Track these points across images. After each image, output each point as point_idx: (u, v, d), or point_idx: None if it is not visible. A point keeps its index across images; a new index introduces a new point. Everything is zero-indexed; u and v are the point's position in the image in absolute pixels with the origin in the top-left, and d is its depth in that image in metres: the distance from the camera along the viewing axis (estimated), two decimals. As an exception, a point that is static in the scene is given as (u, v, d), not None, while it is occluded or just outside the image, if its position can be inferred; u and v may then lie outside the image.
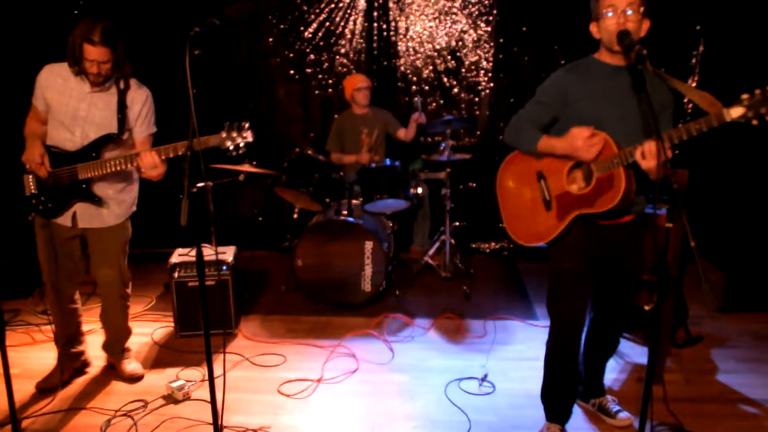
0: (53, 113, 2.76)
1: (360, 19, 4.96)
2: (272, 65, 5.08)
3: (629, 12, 2.12)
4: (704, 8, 4.18)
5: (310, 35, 5.00)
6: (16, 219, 2.89)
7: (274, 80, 5.11)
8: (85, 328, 3.64)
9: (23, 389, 2.94)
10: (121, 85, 2.76)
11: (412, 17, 4.97)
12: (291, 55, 5.05)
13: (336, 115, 4.90)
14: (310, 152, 4.17)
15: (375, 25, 4.96)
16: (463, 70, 5.02)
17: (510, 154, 2.55)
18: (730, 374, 3.11)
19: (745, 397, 2.91)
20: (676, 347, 3.36)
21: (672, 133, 1.99)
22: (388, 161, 4.09)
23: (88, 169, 2.72)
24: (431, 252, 4.57)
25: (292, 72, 5.09)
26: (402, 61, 5.04)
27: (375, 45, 5.01)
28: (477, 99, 5.07)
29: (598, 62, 2.29)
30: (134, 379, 3.08)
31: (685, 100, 3.33)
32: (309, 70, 5.08)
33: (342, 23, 4.98)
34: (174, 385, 2.92)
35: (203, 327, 2.14)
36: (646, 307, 3.05)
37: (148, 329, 3.66)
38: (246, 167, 4.10)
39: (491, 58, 4.99)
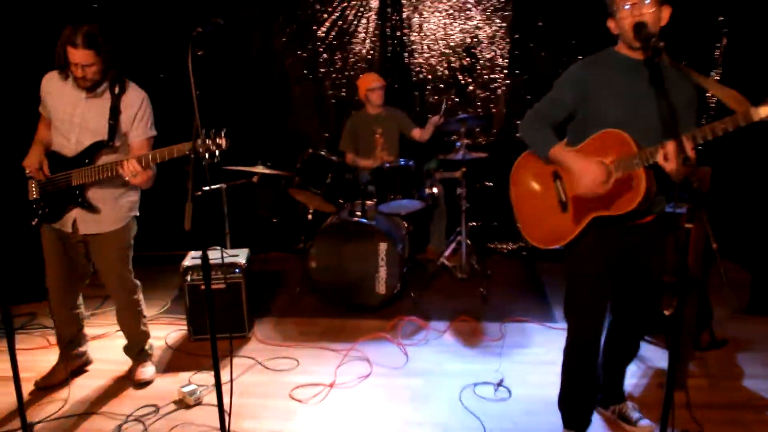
0: (53, 119, 2.78)
1: (373, 17, 4.90)
2: (285, 65, 5.04)
3: (647, 0, 2.03)
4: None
5: (323, 34, 4.95)
6: (29, 223, 2.90)
7: (287, 80, 5.07)
8: (100, 331, 3.67)
9: (37, 393, 2.96)
10: (116, 89, 2.74)
11: (425, 14, 4.89)
12: (304, 54, 5.00)
13: (351, 114, 4.85)
14: (323, 153, 4.13)
15: (388, 23, 4.90)
16: (479, 67, 4.93)
17: (523, 153, 2.47)
18: (757, 379, 3.00)
19: (773, 403, 2.80)
20: (700, 351, 3.25)
21: (696, 133, 1.90)
22: (402, 161, 4.03)
23: (81, 175, 2.72)
24: (447, 253, 4.50)
25: (305, 72, 5.05)
26: (416, 59, 4.97)
27: (389, 43, 4.94)
28: (493, 96, 4.98)
29: (618, 55, 2.20)
30: (141, 384, 3.06)
31: (709, 94, 3.21)
32: (322, 70, 5.03)
33: (355, 21, 4.92)
34: (186, 389, 2.90)
35: (209, 331, 2.11)
36: (666, 312, 2.95)
37: (162, 332, 3.65)
38: (260, 168, 4.08)
39: (507, 55, 4.88)
